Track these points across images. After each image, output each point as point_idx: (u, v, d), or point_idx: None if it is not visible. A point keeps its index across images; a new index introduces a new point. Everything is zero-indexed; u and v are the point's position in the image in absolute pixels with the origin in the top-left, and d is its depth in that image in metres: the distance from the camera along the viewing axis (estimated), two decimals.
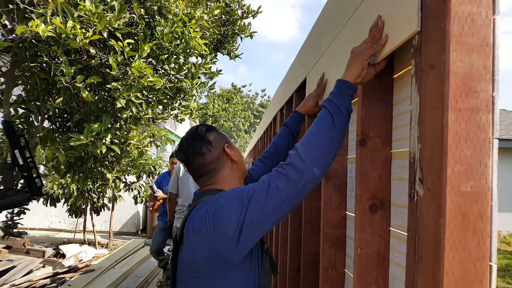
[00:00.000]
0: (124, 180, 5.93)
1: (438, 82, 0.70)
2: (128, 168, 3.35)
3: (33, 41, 1.98)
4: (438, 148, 0.69)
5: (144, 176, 5.46)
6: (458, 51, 0.68)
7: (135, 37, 2.19)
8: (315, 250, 1.79)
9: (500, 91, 0.68)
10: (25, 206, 3.13)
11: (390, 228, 1.10)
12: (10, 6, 2.05)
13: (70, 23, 1.70)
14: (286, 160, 1.07)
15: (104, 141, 2.22)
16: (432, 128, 0.72)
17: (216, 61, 3.04)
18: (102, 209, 6.81)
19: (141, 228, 9.13)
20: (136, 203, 6.80)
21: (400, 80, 1.07)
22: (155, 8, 2.19)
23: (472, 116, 0.67)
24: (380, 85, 1.13)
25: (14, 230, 6.46)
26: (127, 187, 6.34)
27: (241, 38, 3.66)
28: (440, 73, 0.70)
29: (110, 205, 6.98)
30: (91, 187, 4.88)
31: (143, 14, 2.15)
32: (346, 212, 1.49)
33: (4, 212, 3.83)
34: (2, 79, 2.64)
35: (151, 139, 5.11)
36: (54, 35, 1.72)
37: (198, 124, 1.43)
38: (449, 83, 0.67)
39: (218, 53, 3.52)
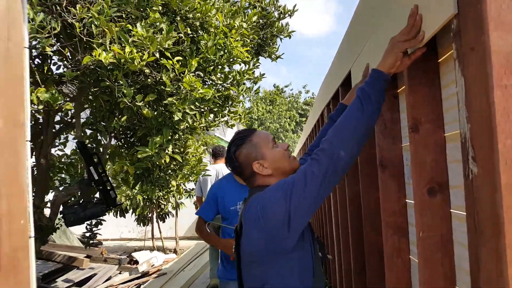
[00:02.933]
0: (184, 187, 6.23)
1: (481, 63, 0.73)
2: (190, 174, 3.55)
3: (96, 68, 2.19)
4: (487, 126, 0.71)
5: None
6: (498, 31, 0.70)
7: (183, 53, 2.34)
8: (377, 242, 1.81)
9: None
10: (102, 217, 3.43)
11: (451, 210, 1.11)
12: (74, 39, 2.28)
13: (127, 49, 1.88)
14: (320, 146, 1.16)
15: (166, 151, 2.41)
16: (479, 108, 0.74)
17: (258, 65, 3.13)
18: (167, 216, 7.18)
19: None
20: (196, 208, 7.11)
21: (446, 64, 1.08)
22: (197, 23, 2.32)
23: None
24: (426, 70, 1.14)
25: (92, 241, 7.02)
26: (188, 194, 6.65)
27: (281, 39, 3.72)
28: (481, 55, 0.72)
29: (174, 212, 7.34)
30: (159, 194, 5.25)
31: (188, 31, 2.30)
32: (406, 200, 1.51)
33: (84, 224, 4.19)
34: (72, 105, 2.93)
35: (205, 147, 5.33)
36: (115, 60, 1.90)
37: (235, 135, 1.49)
38: (491, 63, 0.70)
39: (260, 57, 3.60)
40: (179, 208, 7.26)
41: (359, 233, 2.05)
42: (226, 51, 2.30)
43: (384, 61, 1.11)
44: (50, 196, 3.35)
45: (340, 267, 2.66)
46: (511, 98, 0.69)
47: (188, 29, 2.27)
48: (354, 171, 2.03)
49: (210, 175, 4.62)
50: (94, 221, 6.05)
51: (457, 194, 1.07)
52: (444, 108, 1.12)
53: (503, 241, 0.69)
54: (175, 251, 7.59)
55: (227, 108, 2.81)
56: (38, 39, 2.14)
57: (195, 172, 3.55)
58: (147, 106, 2.37)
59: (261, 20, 3.45)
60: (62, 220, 3.28)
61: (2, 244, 0.87)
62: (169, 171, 3.50)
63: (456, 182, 1.07)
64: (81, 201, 3.17)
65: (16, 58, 1.08)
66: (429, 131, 1.12)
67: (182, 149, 3.27)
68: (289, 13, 3.75)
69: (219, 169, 4.82)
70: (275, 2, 3.61)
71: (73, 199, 3.27)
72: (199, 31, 2.35)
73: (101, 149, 3.22)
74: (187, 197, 6.76)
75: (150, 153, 2.40)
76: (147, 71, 2.24)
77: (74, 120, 3.21)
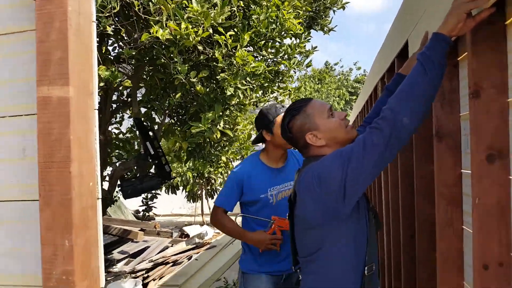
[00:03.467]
0: (232, 166, 6.41)
1: None
2: (240, 150, 3.66)
3: (153, 45, 2.29)
4: None
5: None
6: None
7: (235, 28, 2.38)
8: (429, 214, 1.78)
9: None
10: (157, 191, 3.64)
11: (510, 177, 1.08)
12: (130, 19, 2.40)
13: (183, 25, 1.95)
14: (380, 115, 1.14)
15: (218, 127, 2.50)
16: None
17: (310, 39, 3.09)
18: (215, 193, 7.42)
19: None
20: None
21: None
22: None
23: None
24: (491, 33, 1.09)
25: (148, 214, 7.41)
26: None
27: (334, 11, 3.64)
28: None
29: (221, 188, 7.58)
30: (210, 170, 5.47)
31: (240, 5, 2.33)
32: (462, 171, 1.47)
33: (138, 200, 4.42)
34: (130, 82, 3.09)
35: (252, 126, 5.42)
36: (171, 37, 1.98)
37: (291, 104, 1.48)
38: None
39: (312, 30, 3.56)
40: None
41: (410, 206, 2.02)
42: (278, 24, 2.31)
43: (446, 23, 1.08)
44: (108, 171, 3.59)
45: (389, 238, 2.65)
46: None
47: (241, 2, 2.29)
48: (407, 144, 1.99)
49: None
50: (149, 195, 6.40)
51: None
52: (509, 74, 1.07)
53: None
54: None
55: (277, 84, 2.83)
56: (98, 19, 2.27)
57: (244, 147, 3.65)
58: (200, 82, 2.45)
59: None
60: (120, 193, 3.52)
61: (74, 203, 0.96)
62: (219, 147, 3.62)
63: None
64: (137, 175, 3.37)
65: (86, 31, 1.16)
66: (491, 97, 1.08)
67: (232, 126, 3.36)
68: None
69: None
70: None
71: (129, 173, 3.49)
72: (251, 5, 2.37)
73: (155, 126, 3.38)
74: None
75: (202, 128, 2.50)
76: (200, 48, 2.30)
77: (129, 99, 3.39)
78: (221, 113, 2.60)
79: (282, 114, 1.84)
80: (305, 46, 2.84)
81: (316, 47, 2.91)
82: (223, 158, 3.59)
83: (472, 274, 1.16)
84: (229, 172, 4.66)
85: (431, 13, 1.48)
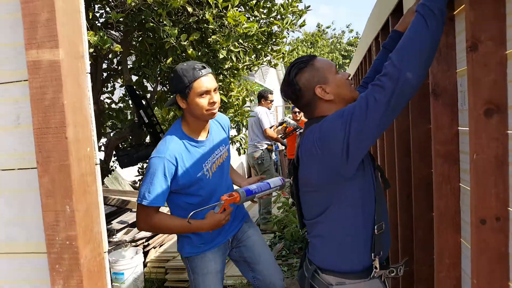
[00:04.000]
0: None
1: None
2: (235, 116, 3.63)
3: (141, 8, 2.21)
4: None
5: (244, 129, 5.81)
6: None
7: None
8: (426, 173, 1.81)
9: None
10: None
11: (508, 131, 1.08)
12: None
13: None
14: (382, 72, 1.12)
15: None
16: None
17: None
18: None
19: (246, 177, 9.71)
20: (239, 154, 7.26)
21: None
22: None
23: None
24: None
25: None
26: (230, 140, 6.81)
27: None
28: None
29: None
30: None
31: None
32: (458, 128, 1.47)
33: (136, 168, 4.43)
34: (117, 51, 3.00)
35: (246, 91, 5.37)
36: None
37: (295, 60, 1.44)
38: None
39: None
40: None
41: (407, 168, 2.04)
42: None
43: None
44: (102, 141, 3.55)
45: (386, 200, 2.70)
46: None
47: None
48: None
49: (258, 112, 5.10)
50: (145, 165, 6.37)
51: None
52: (507, 24, 1.05)
53: None
54: None
55: (270, 46, 2.78)
56: None
57: (239, 113, 3.62)
58: (191, 46, 2.39)
59: None
60: (116, 163, 3.51)
61: (73, 169, 0.95)
62: None
63: None
64: (133, 144, 3.35)
65: None
66: (489, 49, 1.06)
67: (226, 91, 3.32)
68: None
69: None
70: None
71: (124, 143, 3.46)
72: None
73: (148, 95, 3.32)
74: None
75: None
76: (189, 9, 2.23)
77: (120, 67, 3.30)
78: None
79: (202, 77, 1.72)
80: (297, 5, 2.76)
81: (309, 6, 2.83)
82: None
83: (470, 230, 1.19)
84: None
85: None
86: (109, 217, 5.69)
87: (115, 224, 5.56)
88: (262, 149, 5.23)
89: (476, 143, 1.10)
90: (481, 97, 1.08)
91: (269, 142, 5.29)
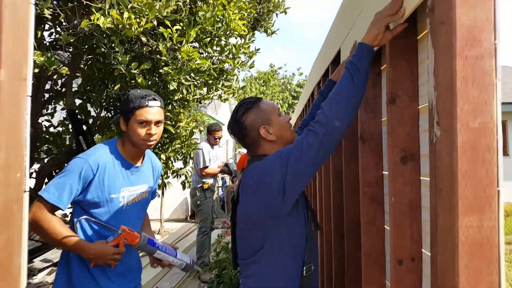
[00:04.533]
0: (172, 166, 6.25)
1: (447, 35, 0.81)
2: (181, 147, 3.63)
3: (93, 33, 2.22)
4: (450, 92, 0.80)
5: (191, 162, 5.74)
6: (463, 7, 0.78)
7: (181, 23, 2.38)
8: (355, 214, 1.92)
9: (502, 40, 0.78)
10: None
11: (421, 177, 1.21)
12: (70, 4, 2.31)
13: (126, 14, 1.92)
14: (315, 118, 1.24)
15: None
16: (444, 76, 0.83)
17: (254, 40, 3.18)
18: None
19: (189, 214, 9.46)
20: (184, 188, 7.09)
21: (423, 41, 1.17)
22: None
23: (477, 62, 0.78)
24: (405, 46, 1.22)
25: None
26: (175, 173, 6.65)
27: (276, 14, 3.78)
28: (448, 28, 0.81)
29: (160, 191, 7.35)
30: None
31: (186, 0, 2.34)
32: (383, 172, 1.61)
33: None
34: (63, 73, 2.94)
35: (196, 123, 5.39)
36: (112, 26, 1.95)
37: (243, 100, 1.54)
38: (456, 35, 0.78)
39: (256, 32, 3.65)
40: (165, 188, 7.26)
41: (340, 206, 2.15)
42: (224, 23, 2.36)
43: (368, 34, 1.19)
44: (35, 167, 3.31)
45: (322, 238, 2.79)
46: (470, 68, 0.78)
47: None
48: (338, 146, 2.13)
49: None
50: None
51: (426, 162, 1.17)
52: (419, 83, 1.21)
53: (457, 195, 0.78)
54: (158, 233, 7.65)
55: (222, 82, 2.88)
56: (36, 1, 2.16)
57: (186, 145, 3.63)
58: (141, 75, 2.42)
59: None
60: None
61: None
62: (159, 144, 3.57)
63: (425, 151, 1.17)
64: None
65: (22, 11, 1.12)
66: (405, 104, 1.21)
67: (174, 122, 3.34)
68: None
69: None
70: None
71: (58, 170, 3.27)
72: (198, 2, 2.39)
73: (90, 120, 3.21)
74: (174, 177, 6.76)
75: None
76: (143, 39, 2.28)
77: (64, 89, 3.22)
78: None
79: (147, 108, 1.69)
80: (249, 47, 2.91)
81: (259, 49, 3.00)
82: (162, 156, 3.53)
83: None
84: (169, 172, 4.45)
85: (359, 25, 1.61)
86: (32, 254, 4.97)
87: (37, 263, 4.90)
88: (197, 187, 5.03)
89: (394, 187, 1.22)
90: (397, 145, 1.21)
91: (205, 180, 5.02)
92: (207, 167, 4.96)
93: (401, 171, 1.22)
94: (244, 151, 5.94)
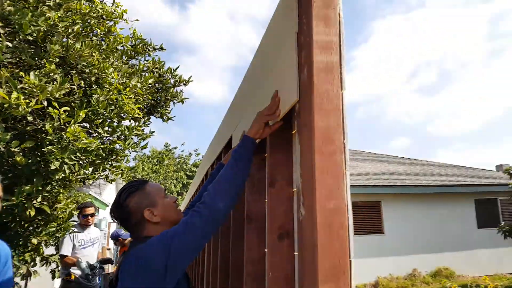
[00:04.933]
0: (43, 251, 5.51)
1: (309, 135, 1.04)
2: (57, 230, 3.30)
3: None
4: (311, 180, 1.00)
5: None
6: (320, 115, 1.02)
7: (72, 104, 2.37)
8: None
9: (349, 140, 1.03)
10: None
11: (295, 253, 1.37)
12: None
13: (14, 94, 1.86)
14: (201, 200, 1.35)
15: (33, 202, 2.29)
16: (307, 166, 1.04)
17: (149, 124, 3.29)
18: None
19: None
20: (53, 278, 6.20)
21: (295, 135, 1.41)
22: (93, 79, 2.42)
23: (331, 157, 1.00)
24: (282, 139, 1.46)
25: None
26: (45, 261, 5.85)
27: (174, 103, 3.98)
28: (309, 129, 1.03)
29: (22, 283, 6.32)
30: (13, 254, 4.51)
31: (81, 83, 2.37)
32: (265, 250, 1.74)
33: None
34: None
35: (76, 204, 4.99)
36: None
37: (127, 183, 1.58)
38: (314, 136, 1.01)
39: (152, 116, 3.77)
40: (30, 278, 6.23)
41: (227, 284, 2.19)
42: (117, 106, 2.41)
43: (251, 129, 1.40)
44: None
45: None
46: (326, 160, 1.00)
47: (82, 82, 2.34)
48: (226, 227, 2.24)
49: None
50: None
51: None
52: (293, 170, 1.43)
53: (317, 264, 0.94)
54: None
55: (110, 162, 2.83)
56: None
57: (62, 228, 3.32)
58: (21, 153, 2.27)
59: (157, 84, 3.67)
60: None
61: None
62: (31, 227, 3.21)
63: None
64: None
65: None
66: (282, 187, 1.40)
67: (52, 203, 3.08)
68: (184, 82, 4.07)
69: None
70: (172, 71, 3.91)
71: None
72: (93, 85, 2.44)
73: None
74: (43, 264, 5.87)
75: (14, 202, 2.25)
76: (30, 118, 2.20)
77: None
78: (40, 188, 2.41)
79: None
80: (143, 129, 2.98)
81: (153, 131, 3.09)
82: (34, 241, 3.16)
83: None
84: (37, 259, 3.91)
85: (247, 117, 1.86)
86: None
87: None
88: (63, 279, 4.48)
89: (272, 263, 1.35)
90: (275, 224, 1.38)
91: (73, 271, 4.47)
92: (66, 256, 4.35)
93: (278, 247, 1.37)
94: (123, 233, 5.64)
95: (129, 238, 5.65)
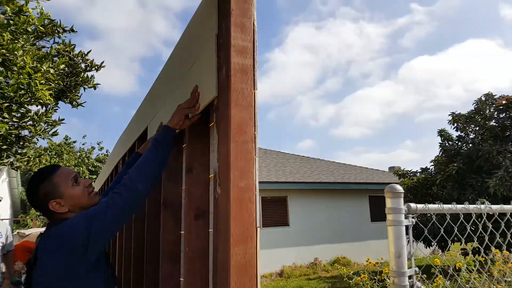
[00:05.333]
0: None
1: (226, 126, 1.23)
2: None
3: None
4: (227, 163, 1.19)
5: None
6: (235, 109, 1.22)
7: None
8: (153, 273, 2.10)
9: (259, 131, 1.24)
10: None
11: (210, 230, 1.55)
12: None
13: None
14: (121, 182, 1.46)
15: None
16: (223, 152, 1.23)
17: (57, 109, 3.16)
18: None
19: None
20: None
21: (213, 127, 1.59)
22: (0, 59, 2.30)
23: (244, 145, 1.21)
24: (201, 130, 1.62)
25: None
26: None
27: (84, 88, 3.86)
28: (226, 121, 1.22)
29: None
30: None
31: None
32: (181, 232, 1.89)
33: None
34: None
35: None
36: None
37: (37, 170, 1.59)
38: (230, 127, 1.20)
39: (60, 102, 3.62)
40: None
41: (140, 264, 2.29)
42: (28, 91, 2.33)
43: (172, 120, 1.54)
44: None
45: None
46: (239, 148, 1.20)
47: None
48: (141, 211, 2.32)
49: None
50: None
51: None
52: (210, 158, 1.61)
53: (229, 232, 1.14)
54: None
55: (15, 149, 2.69)
56: None
57: None
58: None
59: (67, 68, 3.53)
60: None
61: None
62: None
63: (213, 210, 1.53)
64: None
65: None
66: (199, 173, 1.57)
67: None
68: (96, 67, 3.96)
69: None
70: (83, 55, 3.79)
71: None
72: (0, 67, 2.31)
73: None
74: None
75: None
76: None
77: None
78: None
79: None
80: (51, 116, 2.89)
81: (63, 119, 3.01)
82: None
83: None
84: None
85: (165, 109, 1.98)
86: None
87: None
88: None
89: (189, 240, 1.51)
90: (192, 205, 1.54)
91: None
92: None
93: (194, 225, 1.54)
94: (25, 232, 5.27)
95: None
